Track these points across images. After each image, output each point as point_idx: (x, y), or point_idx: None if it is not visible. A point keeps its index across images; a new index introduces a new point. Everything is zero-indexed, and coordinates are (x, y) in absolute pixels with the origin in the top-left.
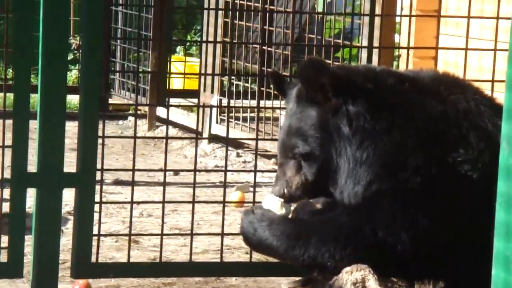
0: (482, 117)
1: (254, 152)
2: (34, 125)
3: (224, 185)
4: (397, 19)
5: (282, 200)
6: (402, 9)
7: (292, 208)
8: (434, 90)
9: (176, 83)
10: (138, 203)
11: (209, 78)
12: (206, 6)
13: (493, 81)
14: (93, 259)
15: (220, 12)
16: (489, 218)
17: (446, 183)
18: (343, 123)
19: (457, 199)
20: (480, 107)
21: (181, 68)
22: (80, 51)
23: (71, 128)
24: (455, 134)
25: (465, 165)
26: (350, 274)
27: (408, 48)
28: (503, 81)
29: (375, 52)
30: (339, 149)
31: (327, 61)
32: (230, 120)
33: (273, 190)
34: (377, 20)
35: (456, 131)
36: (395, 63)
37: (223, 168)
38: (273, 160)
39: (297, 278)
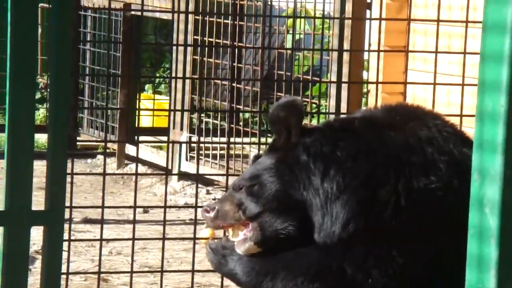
0: (447, 143)
1: (224, 189)
2: (1, 164)
3: (195, 221)
4: (365, 56)
5: None
6: (370, 45)
7: None
8: (389, 122)
9: (145, 121)
10: (107, 240)
11: (178, 115)
12: (174, 43)
13: (461, 115)
14: None
15: (189, 49)
16: (461, 248)
17: (418, 213)
18: (300, 152)
19: (429, 229)
20: (443, 133)
21: (150, 106)
22: (48, 90)
23: (39, 167)
24: (422, 161)
25: (437, 191)
26: None
27: (377, 83)
28: (471, 115)
29: (344, 87)
30: (302, 182)
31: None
32: (200, 157)
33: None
34: (346, 56)
35: (422, 158)
36: (363, 99)
37: (193, 205)
38: None
39: None
